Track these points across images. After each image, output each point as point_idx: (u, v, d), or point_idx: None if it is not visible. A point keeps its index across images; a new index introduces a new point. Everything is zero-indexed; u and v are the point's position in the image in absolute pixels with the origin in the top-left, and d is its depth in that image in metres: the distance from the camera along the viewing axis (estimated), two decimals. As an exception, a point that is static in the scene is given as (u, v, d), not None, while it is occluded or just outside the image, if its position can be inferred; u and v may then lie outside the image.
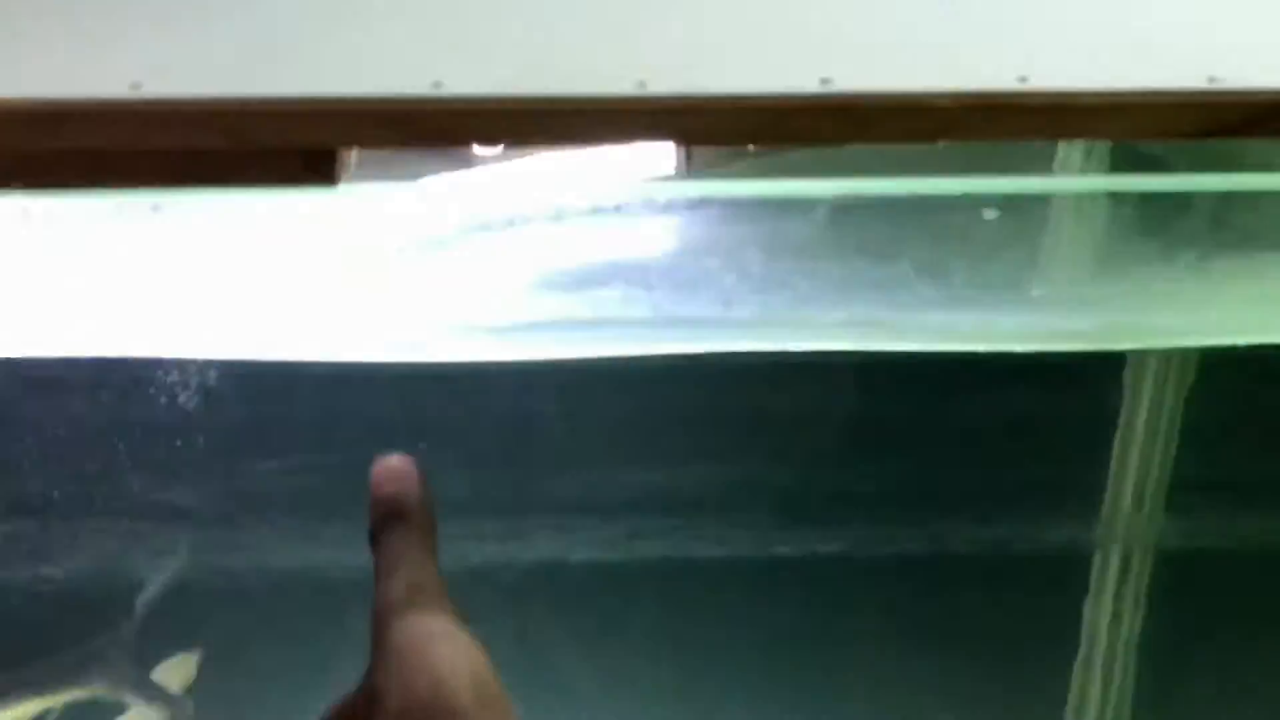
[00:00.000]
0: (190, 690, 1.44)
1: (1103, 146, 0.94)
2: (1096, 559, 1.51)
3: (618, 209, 0.81)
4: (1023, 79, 0.52)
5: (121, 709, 1.45)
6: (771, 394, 1.32)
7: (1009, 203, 0.90)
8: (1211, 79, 0.51)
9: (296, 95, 0.55)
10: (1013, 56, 0.54)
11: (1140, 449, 1.41)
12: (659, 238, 0.86)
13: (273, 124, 0.55)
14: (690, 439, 1.42)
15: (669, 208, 0.85)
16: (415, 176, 0.78)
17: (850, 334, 0.88)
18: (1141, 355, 1.37)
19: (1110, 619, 1.55)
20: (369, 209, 0.75)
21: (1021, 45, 0.57)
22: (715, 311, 0.82)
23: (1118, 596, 1.53)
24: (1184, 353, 1.38)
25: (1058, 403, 1.37)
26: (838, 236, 0.92)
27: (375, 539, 0.55)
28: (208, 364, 1.31)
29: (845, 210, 0.94)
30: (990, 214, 0.96)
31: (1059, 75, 0.52)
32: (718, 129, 0.57)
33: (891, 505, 1.43)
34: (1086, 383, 1.42)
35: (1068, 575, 1.62)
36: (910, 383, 1.30)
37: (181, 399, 1.34)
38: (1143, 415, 1.38)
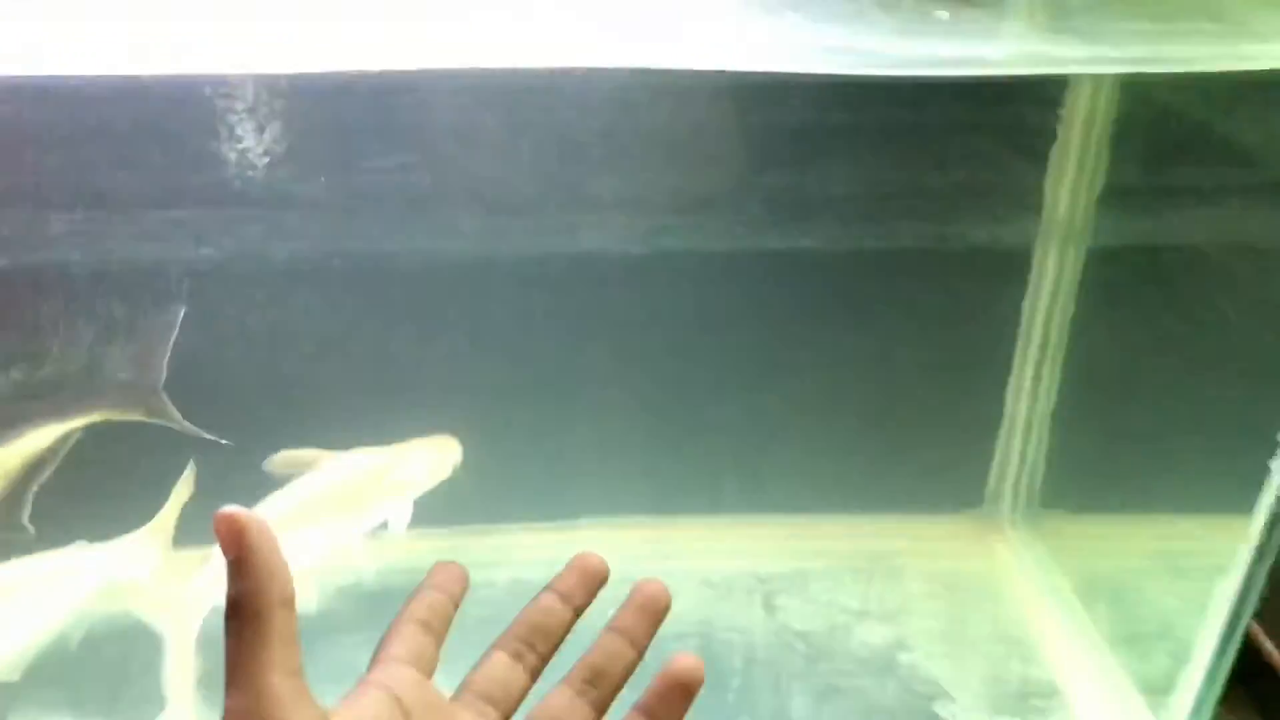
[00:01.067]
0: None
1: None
2: (1036, 253, 1.70)
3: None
4: None
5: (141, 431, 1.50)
6: (766, 111, 1.46)
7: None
8: None
9: None
10: None
11: (1075, 159, 1.57)
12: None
13: None
14: (699, 149, 1.57)
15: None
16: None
17: (830, 60, 1.00)
18: (1077, 84, 1.52)
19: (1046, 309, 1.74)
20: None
21: None
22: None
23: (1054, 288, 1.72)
24: (1113, 80, 1.53)
25: (1004, 122, 1.54)
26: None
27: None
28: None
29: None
30: (942, 14, 1.07)
31: None
32: None
33: (862, 205, 1.60)
34: (1029, 104, 1.58)
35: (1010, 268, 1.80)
36: (878, 102, 1.44)
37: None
38: (1077, 131, 1.54)
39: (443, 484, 1.67)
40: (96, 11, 0.91)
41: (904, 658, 1.79)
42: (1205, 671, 1.46)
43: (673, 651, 0.69)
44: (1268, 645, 1.75)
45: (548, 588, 0.67)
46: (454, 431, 1.64)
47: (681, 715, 0.65)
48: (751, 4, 0.94)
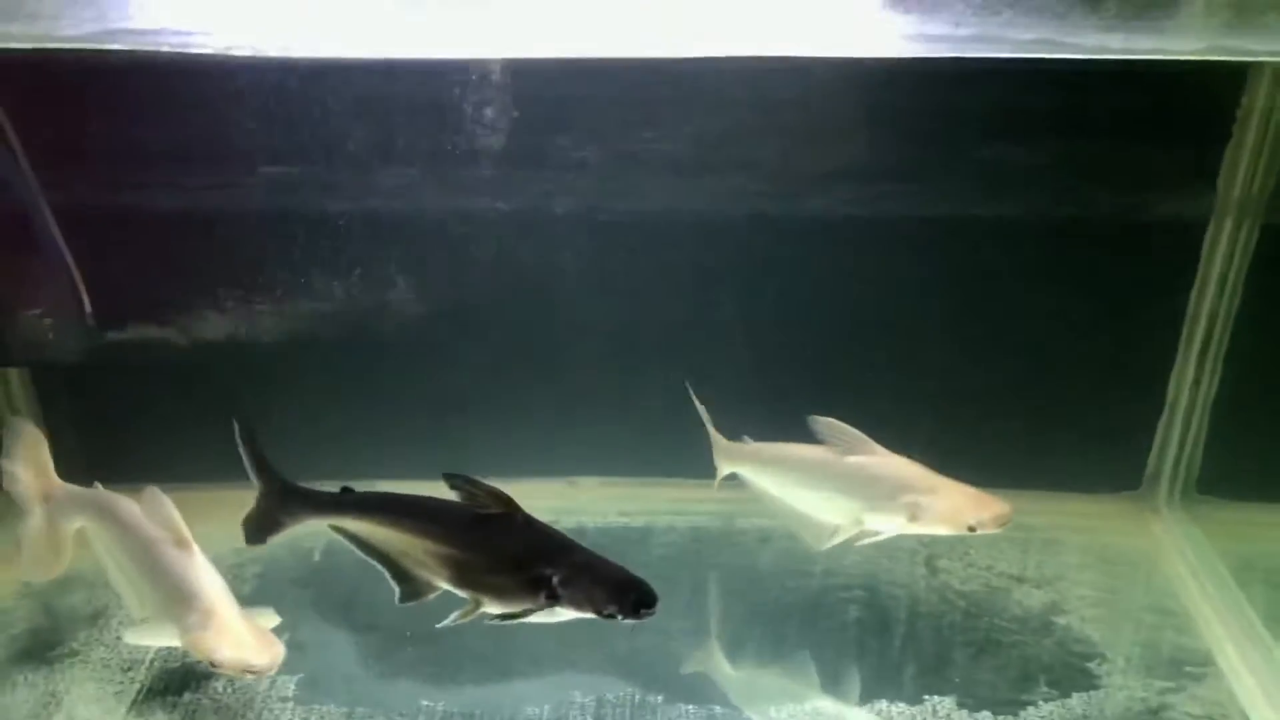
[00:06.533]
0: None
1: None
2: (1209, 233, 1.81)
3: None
4: None
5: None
6: (985, 95, 1.63)
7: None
8: None
9: None
10: None
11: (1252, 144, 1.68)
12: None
13: None
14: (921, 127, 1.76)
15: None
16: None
17: (1036, 48, 1.14)
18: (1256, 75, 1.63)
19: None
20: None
21: None
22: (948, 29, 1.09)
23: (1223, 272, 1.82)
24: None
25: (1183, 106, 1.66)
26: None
27: None
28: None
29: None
30: None
31: None
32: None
33: (1054, 180, 1.75)
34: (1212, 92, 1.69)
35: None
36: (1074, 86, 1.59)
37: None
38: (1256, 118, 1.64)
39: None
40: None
41: (1060, 620, 1.91)
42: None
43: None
44: None
45: None
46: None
47: None
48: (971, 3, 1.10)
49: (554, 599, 1.42)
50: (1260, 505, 1.97)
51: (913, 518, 1.62)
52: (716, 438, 1.80)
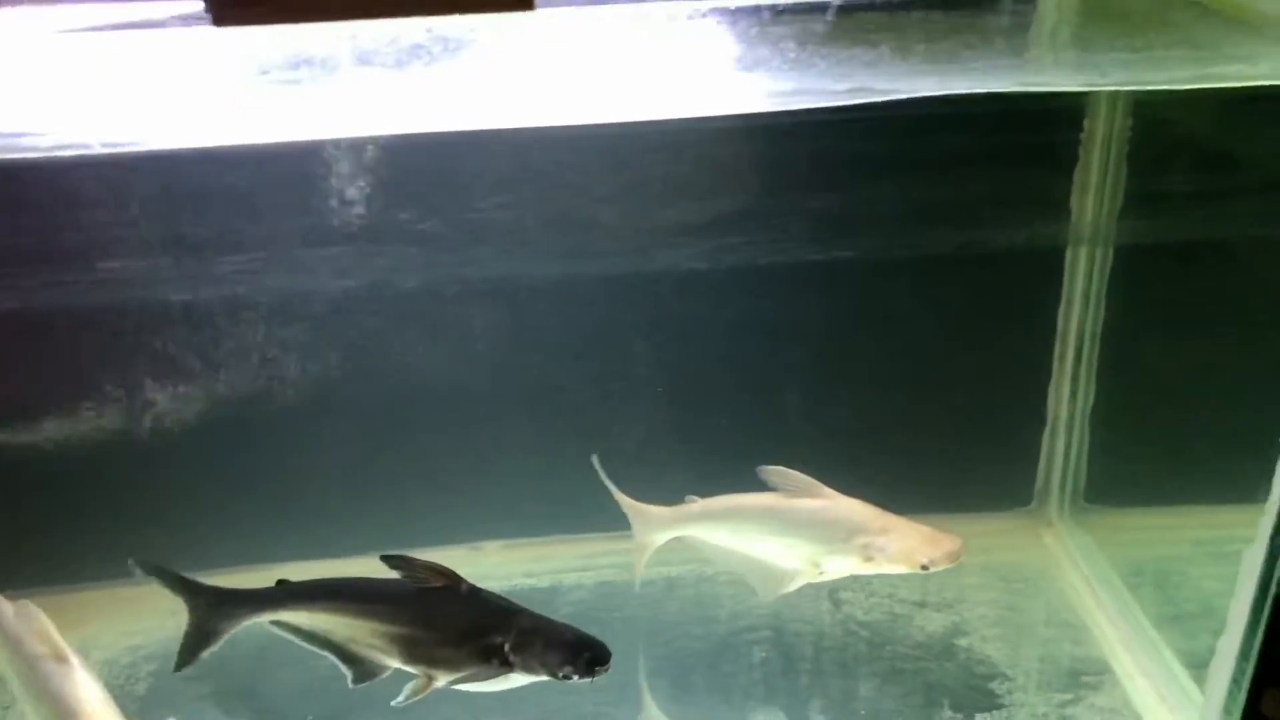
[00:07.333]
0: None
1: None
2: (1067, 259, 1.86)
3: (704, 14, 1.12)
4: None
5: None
6: (803, 144, 1.66)
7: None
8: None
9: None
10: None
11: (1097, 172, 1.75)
12: (725, 37, 1.17)
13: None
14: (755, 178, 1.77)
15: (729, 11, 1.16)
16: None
17: (853, 96, 1.18)
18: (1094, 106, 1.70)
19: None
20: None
21: None
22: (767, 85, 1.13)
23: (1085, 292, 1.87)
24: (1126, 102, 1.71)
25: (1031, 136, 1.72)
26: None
27: None
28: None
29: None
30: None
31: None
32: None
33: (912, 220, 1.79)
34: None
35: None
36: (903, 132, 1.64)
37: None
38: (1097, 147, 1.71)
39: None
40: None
41: (962, 643, 1.93)
42: (1239, 641, 1.58)
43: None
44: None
45: None
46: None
47: None
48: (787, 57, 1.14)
49: (507, 665, 1.42)
50: (1144, 509, 2.02)
51: (868, 559, 1.61)
52: (645, 508, 1.75)
